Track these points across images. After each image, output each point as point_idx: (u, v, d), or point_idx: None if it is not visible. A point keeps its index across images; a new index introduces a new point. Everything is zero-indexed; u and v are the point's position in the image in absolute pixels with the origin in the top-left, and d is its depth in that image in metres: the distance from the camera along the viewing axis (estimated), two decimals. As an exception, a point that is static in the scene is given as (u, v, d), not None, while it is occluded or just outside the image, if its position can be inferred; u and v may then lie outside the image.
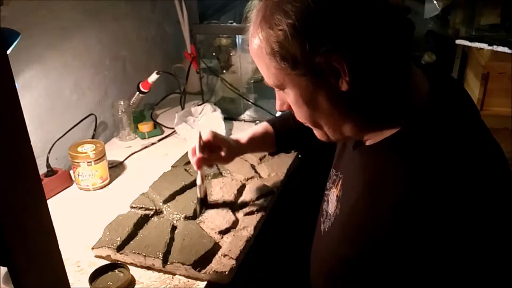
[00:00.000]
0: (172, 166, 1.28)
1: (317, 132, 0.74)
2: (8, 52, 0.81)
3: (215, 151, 1.00)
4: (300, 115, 0.71)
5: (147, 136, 1.51)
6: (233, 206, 1.09)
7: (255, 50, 0.67)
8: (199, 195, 1.06)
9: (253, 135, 1.05)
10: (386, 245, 0.62)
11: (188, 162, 1.26)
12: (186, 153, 1.32)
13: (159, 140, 1.50)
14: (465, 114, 0.69)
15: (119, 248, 0.94)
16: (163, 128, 1.57)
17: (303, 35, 0.60)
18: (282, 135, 1.07)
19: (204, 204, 1.07)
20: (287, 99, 0.70)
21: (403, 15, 0.63)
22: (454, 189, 0.58)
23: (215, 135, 1.00)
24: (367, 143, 0.70)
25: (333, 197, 0.79)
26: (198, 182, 1.04)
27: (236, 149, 1.02)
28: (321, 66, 0.61)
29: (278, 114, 1.24)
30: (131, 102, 1.56)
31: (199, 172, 1.02)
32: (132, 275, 0.90)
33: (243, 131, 1.08)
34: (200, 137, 0.99)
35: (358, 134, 0.70)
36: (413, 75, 0.67)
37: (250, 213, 1.07)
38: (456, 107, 0.68)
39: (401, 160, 0.63)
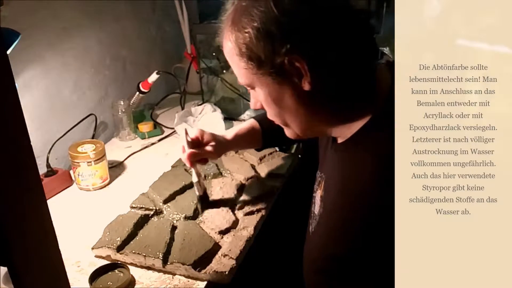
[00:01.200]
0: (172, 166, 1.28)
1: (286, 130, 0.78)
2: (8, 52, 0.81)
3: (203, 147, 1.02)
4: (270, 113, 0.75)
5: (147, 136, 1.51)
6: (233, 206, 1.09)
7: (227, 51, 0.72)
8: (197, 193, 1.06)
9: (239, 131, 1.08)
10: (365, 236, 0.66)
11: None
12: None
13: (159, 140, 1.50)
14: None
15: (119, 248, 0.94)
16: (163, 128, 1.57)
17: (266, 37, 0.65)
18: (268, 131, 1.08)
19: (205, 201, 1.07)
20: (258, 98, 0.74)
21: (363, 18, 0.68)
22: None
23: (202, 132, 1.03)
24: (339, 140, 0.74)
25: (318, 198, 0.82)
26: (194, 179, 1.05)
27: (223, 145, 1.05)
28: (284, 66, 0.65)
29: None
30: (131, 102, 1.56)
31: (193, 170, 1.03)
32: (132, 275, 0.90)
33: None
34: (187, 133, 1.01)
35: (325, 131, 0.75)
36: (376, 70, 0.71)
37: (250, 213, 1.07)
38: None
39: (368, 154, 0.68)
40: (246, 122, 1.11)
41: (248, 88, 0.75)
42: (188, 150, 0.99)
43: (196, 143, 1.01)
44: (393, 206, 0.62)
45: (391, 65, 0.73)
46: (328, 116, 0.72)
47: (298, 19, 0.64)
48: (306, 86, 0.66)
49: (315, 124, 0.73)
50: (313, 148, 1.07)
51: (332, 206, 0.74)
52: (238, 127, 1.10)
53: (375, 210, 0.65)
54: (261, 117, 1.10)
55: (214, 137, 1.03)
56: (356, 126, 0.70)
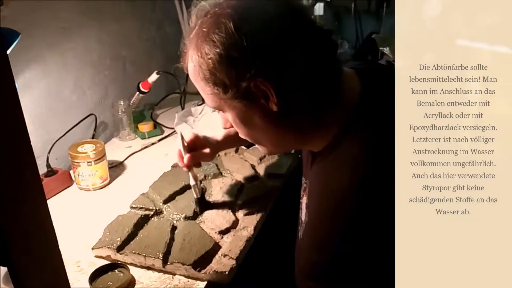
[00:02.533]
0: (172, 166, 1.28)
1: (260, 147, 0.78)
2: (8, 52, 0.81)
3: (198, 150, 1.02)
4: (241, 134, 0.76)
5: (147, 136, 1.51)
6: (233, 206, 1.09)
7: (191, 74, 0.72)
8: (195, 196, 1.06)
9: (229, 131, 1.07)
10: (348, 241, 0.66)
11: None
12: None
13: (159, 140, 1.50)
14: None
15: (119, 249, 0.94)
16: (163, 128, 1.57)
17: (229, 63, 0.65)
18: None
19: (203, 203, 1.07)
20: (229, 119, 0.74)
21: (324, 34, 0.68)
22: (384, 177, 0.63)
23: (196, 135, 1.02)
24: (315, 150, 0.75)
25: (303, 205, 0.83)
26: (192, 182, 1.04)
27: (215, 147, 1.05)
28: (250, 89, 0.65)
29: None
30: (131, 102, 1.56)
31: (190, 174, 1.03)
32: (132, 275, 0.90)
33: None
34: (183, 138, 1.01)
35: (298, 145, 0.77)
36: (344, 81, 0.71)
37: (250, 213, 1.07)
38: (382, 104, 0.70)
39: (345, 159, 0.68)
40: None
41: (217, 111, 0.76)
42: (186, 155, 0.99)
43: (191, 147, 1.02)
44: (374, 208, 0.64)
45: (360, 69, 0.75)
46: (299, 132, 0.72)
47: (259, 43, 0.64)
48: (274, 107, 0.66)
49: (286, 141, 0.74)
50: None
51: (314, 213, 0.74)
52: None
53: (356, 214, 0.66)
54: None
55: (207, 140, 1.04)
56: (329, 136, 0.71)
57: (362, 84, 0.72)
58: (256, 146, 0.79)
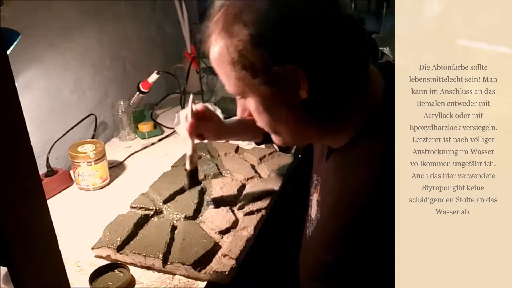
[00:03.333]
0: (172, 166, 1.28)
1: (275, 138, 0.76)
2: (8, 52, 0.81)
3: (206, 122, 1.01)
4: (261, 122, 0.72)
5: (147, 136, 1.51)
6: (233, 206, 1.09)
7: (215, 58, 0.68)
8: (188, 167, 1.03)
9: (242, 118, 1.06)
10: (364, 242, 0.65)
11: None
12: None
13: (159, 140, 1.50)
14: None
15: (119, 248, 0.94)
16: (163, 128, 1.57)
17: (262, 46, 0.62)
18: None
19: (193, 177, 1.04)
20: (248, 107, 0.71)
21: (357, 24, 0.66)
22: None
23: (206, 107, 1.01)
24: (333, 146, 0.73)
25: (314, 202, 0.82)
26: (188, 152, 1.01)
27: (223, 126, 1.03)
28: (280, 75, 0.63)
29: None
30: (131, 102, 1.56)
31: (190, 142, 1.01)
32: (132, 275, 0.90)
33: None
34: (193, 102, 0.99)
35: (318, 139, 0.75)
36: (368, 76, 0.69)
37: (250, 213, 1.07)
38: None
39: (364, 158, 0.67)
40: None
41: (237, 97, 0.73)
42: (191, 120, 0.98)
43: (200, 116, 1.00)
44: (391, 209, 0.61)
45: (383, 67, 0.73)
46: (322, 125, 0.70)
47: (293, 26, 0.61)
48: (304, 95, 0.64)
49: (307, 133, 0.72)
50: (313, 149, 1.07)
51: (330, 211, 0.73)
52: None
53: (373, 215, 0.64)
54: None
55: (217, 115, 1.03)
56: (350, 132, 0.69)
57: (386, 82, 0.70)
58: (273, 137, 0.76)
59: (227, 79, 0.68)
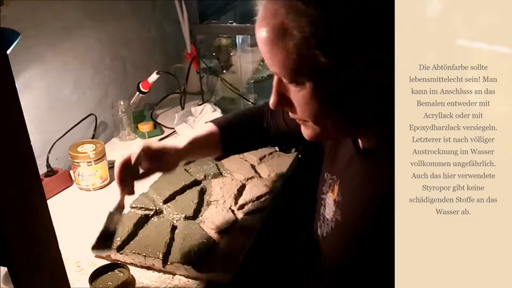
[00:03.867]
0: (172, 166, 1.28)
1: (309, 130, 0.69)
2: (8, 52, 0.81)
3: (154, 161, 0.87)
4: (308, 112, 0.64)
5: (147, 136, 1.51)
6: (233, 206, 1.09)
7: (272, 34, 0.58)
8: (107, 226, 0.84)
9: (193, 138, 0.93)
10: (386, 248, 0.62)
11: (188, 162, 1.26)
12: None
13: (159, 140, 1.50)
14: None
15: (119, 248, 0.94)
16: (163, 128, 1.57)
17: (347, 17, 0.55)
18: (229, 136, 0.96)
19: (107, 241, 0.84)
20: (291, 95, 0.64)
21: None
22: None
23: (147, 146, 0.85)
24: (362, 144, 0.71)
25: (329, 201, 0.80)
26: (112, 209, 0.85)
27: (175, 156, 0.89)
28: (359, 67, 0.58)
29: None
30: (131, 102, 1.56)
31: (120, 196, 0.85)
32: (132, 275, 0.90)
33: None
34: (143, 150, 0.84)
35: (360, 135, 0.71)
36: None
37: (250, 213, 1.07)
38: None
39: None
40: (204, 126, 0.98)
41: (278, 82, 0.64)
42: (119, 174, 0.83)
43: (152, 157, 0.86)
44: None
45: None
46: (373, 122, 0.67)
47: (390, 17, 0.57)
48: (374, 94, 0.61)
49: (357, 128, 0.68)
50: (313, 148, 1.07)
51: (358, 215, 0.70)
52: (193, 133, 0.95)
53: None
54: (221, 120, 0.98)
55: (164, 148, 0.88)
56: (382, 131, 0.66)
57: None
58: (304, 129, 0.70)
59: (286, 58, 0.59)
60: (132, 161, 0.83)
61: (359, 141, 0.73)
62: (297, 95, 0.64)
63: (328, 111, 0.64)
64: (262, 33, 0.60)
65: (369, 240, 0.67)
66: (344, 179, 0.76)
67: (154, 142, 0.88)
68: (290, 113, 0.68)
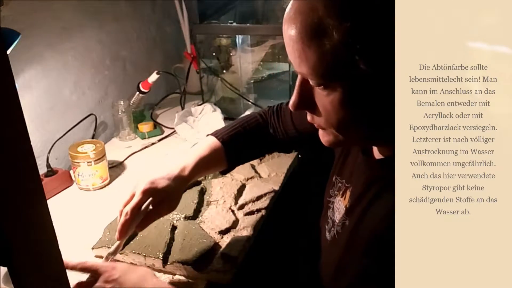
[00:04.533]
0: (172, 166, 1.28)
1: (329, 137, 0.66)
2: (8, 52, 0.81)
3: (157, 205, 0.82)
4: (333, 118, 0.61)
5: (147, 136, 1.51)
6: (233, 206, 1.09)
7: (305, 32, 0.54)
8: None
9: (198, 159, 0.87)
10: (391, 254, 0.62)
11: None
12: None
13: (159, 140, 1.50)
14: None
15: (119, 248, 0.94)
16: (163, 128, 1.57)
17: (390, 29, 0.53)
18: (232, 147, 0.92)
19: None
20: (317, 98, 0.61)
21: None
22: None
23: (154, 192, 0.80)
24: (377, 154, 0.70)
25: (339, 206, 0.79)
26: (110, 251, 0.82)
27: (179, 188, 0.84)
28: (392, 76, 0.56)
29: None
30: (131, 102, 1.56)
31: (118, 242, 0.81)
32: (132, 275, 0.90)
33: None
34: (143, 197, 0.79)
35: (380, 144, 0.69)
36: None
37: (250, 213, 1.07)
38: None
39: None
40: (203, 144, 0.92)
41: (302, 83, 0.61)
42: (129, 216, 0.77)
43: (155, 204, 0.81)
44: None
45: None
46: (389, 127, 0.63)
47: None
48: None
49: (380, 138, 0.66)
50: (313, 148, 1.07)
51: (360, 222, 0.69)
52: (197, 154, 0.88)
53: None
54: (219, 133, 0.94)
55: (164, 191, 0.81)
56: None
57: None
58: (323, 135, 0.66)
59: (319, 60, 0.55)
60: (142, 208, 0.78)
61: (373, 148, 0.71)
62: (325, 99, 0.60)
63: (356, 120, 0.61)
64: (292, 30, 0.55)
65: (371, 246, 0.67)
66: (354, 186, 0.75)
67: (159, 182, 0.81)
68: (309, 117, 0.65)
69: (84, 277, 0.90)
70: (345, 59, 0.54)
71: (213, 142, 0.92)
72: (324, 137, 0.67)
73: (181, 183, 0.85)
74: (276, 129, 0.97)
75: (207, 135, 0.95)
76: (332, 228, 0.79)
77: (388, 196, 0.64)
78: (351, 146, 0.76)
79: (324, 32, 0.53)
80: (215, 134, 0.94)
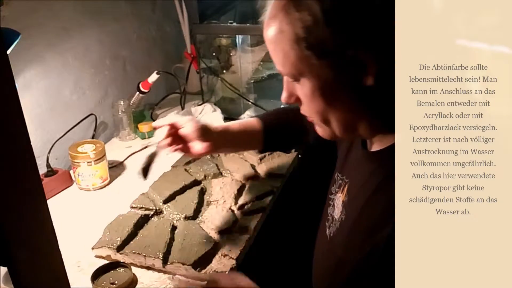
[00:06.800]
0: (172, 166, 1.28)
1: (321, 129, 0.72)
2: (8, 52, 0.81)
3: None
4: (311, 109, 0.68)
5: (147, 136, 1.51)
6: (233, 206, 1.09)
7: (273, 35, 0.63)
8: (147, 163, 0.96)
9: (231, 125, 0.97)
10: (389, 248, 0.62)
11: (188, 162, 1.26)
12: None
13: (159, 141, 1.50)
14: None
15: (119, 248, 0.94)
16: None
17: (336, 24, 0.58)
18: (272, 131, 1.00)
19: (146, 173, 0.96)
20: (297, 91, 0.67)
21: None
22: None
23: (199, 128, 0.91)
24: (374, 147, 0.71)
25: (338, 202, 0.79)
26: (151, 152, 0.95)
27: (213, 136, 0.92)
28: (349, 58, 0.60)
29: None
30: (131, 102, 1.56)
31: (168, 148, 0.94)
32: (134, 273, 0.90)
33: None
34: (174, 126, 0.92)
35: (369, 134, 0.70)
36: None
37: (250, 213, 1.07)
38: None
39: None
40: (246, 119, 1.03)
41: (287, 80, 0.68)
42: (200, 144, 0.90)
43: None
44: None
45: None
46: (378, 119, 0.67)
47: (376, 8, 0.58)
48: (369, 82, 0.61)
49: (358, 126, 0.68)
50: (313, 148, 1.07)
51: (361, 215, 0.70)
52: (231, 122, 1.00)
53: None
54: (264, 116, 1.04)
55: (208, 130, 0.92)
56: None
57: None
58: (318, 128, 0.72)
59: (284, 58, 0.63)
60: (183, 133, 0.92)
61: (368, 142, 0.73)
62: (300, 92, 0.67)
63: (331, 108, 0.66)
64: (266, 33, 0.65)
65: (368, 241, 0.67)
66: (352, 180, 0.76)
67: (194, 131, 0.91)
68: (301, 111, 0.71)
69: (81, 277, 0.90)
70: (301, 57, 0.61)
71: (254, 120, 1.01)
72: (318, 130, 0.73)
73: (213, 130, 0.94)
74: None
75: (251, 117, 1.05)
76: (332, 225, 0.80)
77: (386, 189, 0.64)
78: (347, 139, 0.77)
79: (284, 35, 0.61)
80: (257, 115, 1.04)
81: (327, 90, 0.64)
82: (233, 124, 1.00)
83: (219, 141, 0.94)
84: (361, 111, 0.66)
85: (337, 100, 0.65)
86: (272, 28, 0.63)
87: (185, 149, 0.94)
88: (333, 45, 0.59)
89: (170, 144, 0.93)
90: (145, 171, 0.95)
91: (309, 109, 0.69)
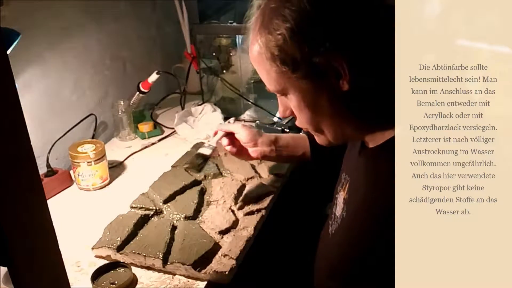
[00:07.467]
0: (172, 166, 1.28)
1: (318, 138, 0.75)
2: (8, 52, 0.81)
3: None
4: (302, 120, 0.72)
5: (147, 136, 1.51)
6: (233, 206, 1.09)
7: (255, 56, 0.69)
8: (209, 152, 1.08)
9: (286, 135, 1.08)
10: (386, 244, 0.62)
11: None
12: (186, 153, 1.32)
13: (159, 140, 1.50)
14: None
15: (119, 248, 0.94)
16: (163, 128, 1.57)
17: (302, 37, 0.62)
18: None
19: (204, 162, 1.09)
20: (289, 105, 0.71)
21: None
22: None
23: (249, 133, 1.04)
24: (370, 145, 0.72)
25: (340, 200, 0.80)
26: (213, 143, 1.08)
27: (265, 142, 1.04)
28: (321, 66, 0.63)
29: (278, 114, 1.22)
30: (131, 102, 1.56)
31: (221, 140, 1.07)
32: (134, 273, 0.90)
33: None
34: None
35: (359, 135, 0.73)
36: None
37: (250, 213, 1.07)
38: None
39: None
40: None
41: (278, 95, 0.73)
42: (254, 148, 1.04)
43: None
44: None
45: None
46: (363, 120, 0.69)
47: (335, 16, 0.61)
48: (345, 86, 0.63)
49: (347, 129, 0.71)
50: (313, 148, 1.07)
51: (356, 211, 0.72)
52: (282, 134, 1.13)
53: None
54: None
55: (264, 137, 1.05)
56: (389, 132, 0.68)
57: None
58: (315, 137, 0.76)
59: (268, 76, 0.69)
60: (244, 141, 1.05)
61: (366, 141, 0.74)
62: (290, 104, 0.71)
63: (317, 118, 0.70)
64: (250, 55, 0.71)
65: (368, 239, 0.68)
66: (352, 178, 0.78)
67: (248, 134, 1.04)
68: (296, 123, 0.75)
69: (81, 277, 0.90)
70: (280, 73, 0.66)
71: (303, 134, 1.10)
72: (316, 138, 0.76)
73: (269, 137, 1.06)
74: None
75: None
76: (334, 222, 0.80)
77: (381, 187, 0.66)
78: (341, 143, 0.79)
79: (262, 55, 0.67)
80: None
81: (310, 100, 0.68)
82: (283, 134, 1.10)
83: (269, 147, 1.05)
84: (345, 116, 0.69)
85: (321, 108, 0.68)
86: (253, 51, 0.69)
87: (239, 153, 1.06)
88: (301, 57, 0.63)
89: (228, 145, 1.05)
90: (200, 167, 1.09)
91: (301, 121, 0.73)
